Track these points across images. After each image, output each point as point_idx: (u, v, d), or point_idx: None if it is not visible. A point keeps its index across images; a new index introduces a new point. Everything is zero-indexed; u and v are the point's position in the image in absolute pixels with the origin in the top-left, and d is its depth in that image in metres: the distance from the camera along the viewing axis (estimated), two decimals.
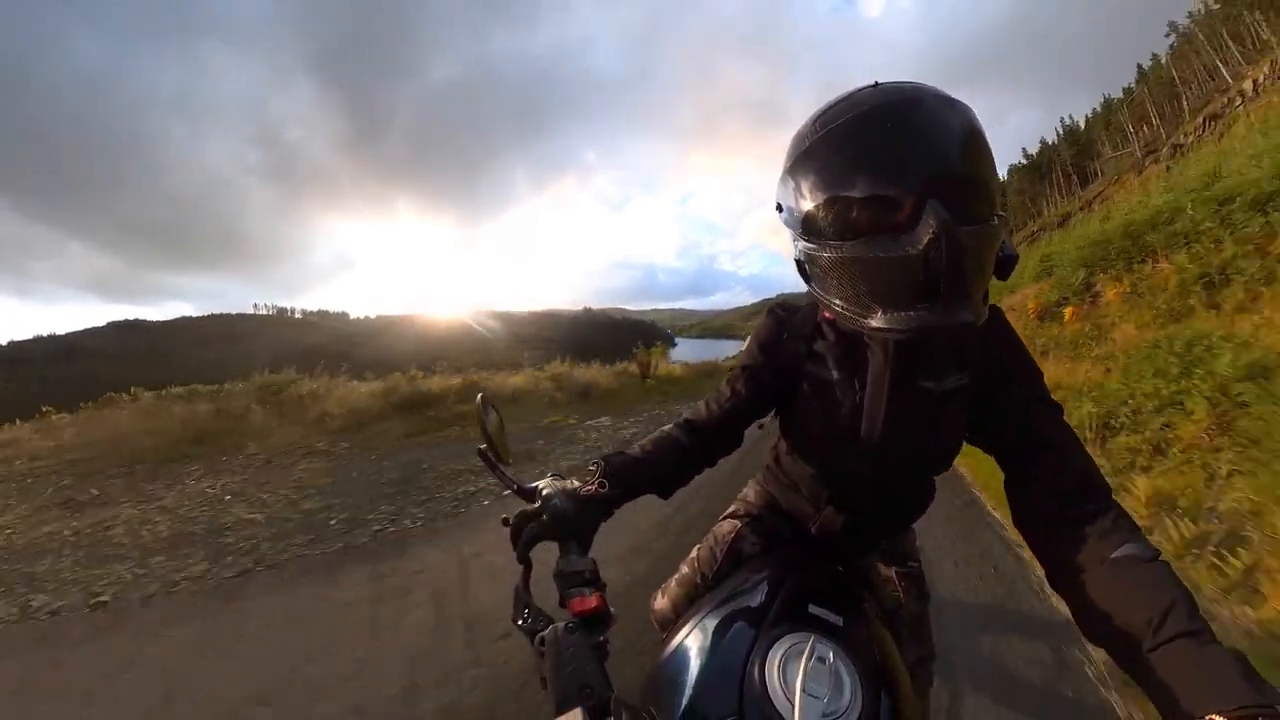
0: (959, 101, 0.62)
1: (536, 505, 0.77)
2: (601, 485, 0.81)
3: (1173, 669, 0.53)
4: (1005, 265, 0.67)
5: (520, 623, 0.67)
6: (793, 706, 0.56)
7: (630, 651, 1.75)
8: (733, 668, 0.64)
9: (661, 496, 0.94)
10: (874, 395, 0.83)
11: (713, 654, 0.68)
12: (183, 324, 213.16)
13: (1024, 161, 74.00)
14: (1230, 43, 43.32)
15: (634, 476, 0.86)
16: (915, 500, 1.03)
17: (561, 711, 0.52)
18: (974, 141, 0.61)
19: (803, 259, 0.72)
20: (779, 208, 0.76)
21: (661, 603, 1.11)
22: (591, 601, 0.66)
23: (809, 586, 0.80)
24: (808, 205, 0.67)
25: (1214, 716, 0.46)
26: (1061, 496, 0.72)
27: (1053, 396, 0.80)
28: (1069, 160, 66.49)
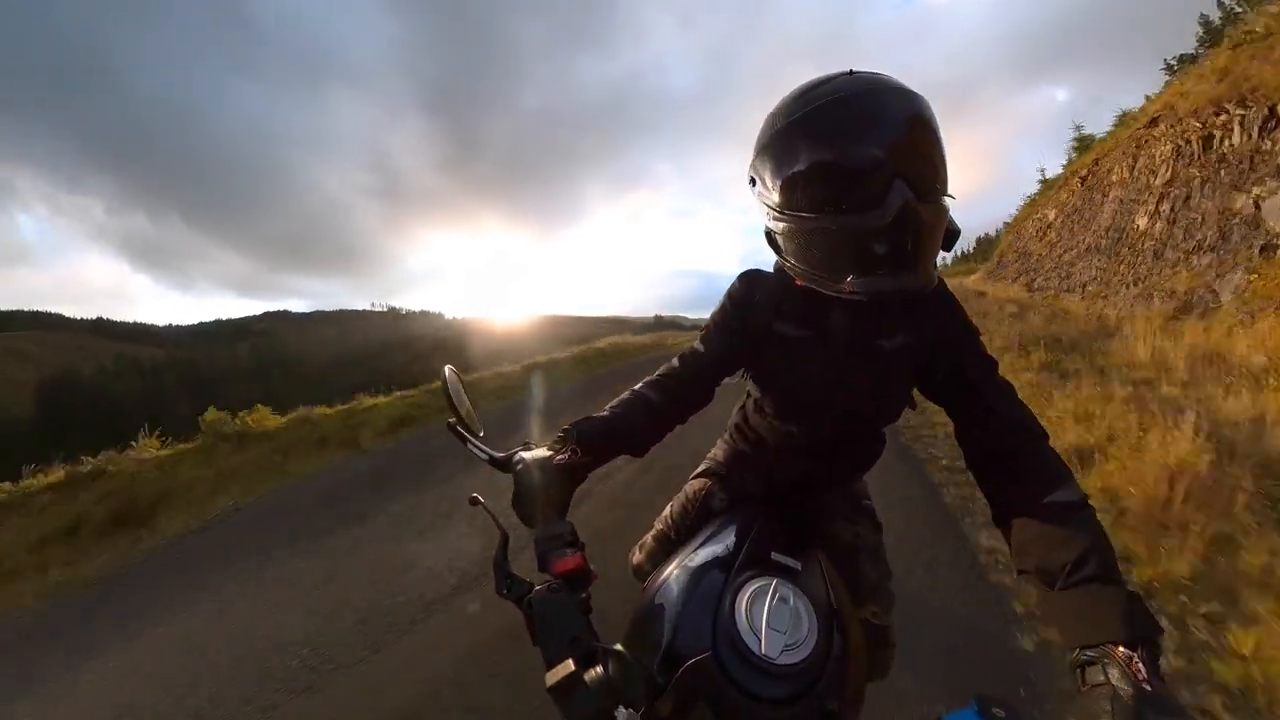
0: (920, 95, 0.70)
1: (515, 476, 0.79)
2: (574, 453, 0.81)
3: (1078, 606, 0.63)
4: (951, 238, 0.74)
5: (504, 592, 0.67)
6: (759, 640, 0.63)
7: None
8: (706, 610, 0.69)
9: (635, 455, 0.94)
10: (835, 352, 0.88)
11: (688, 599, 0.72)
12: (319, 317, 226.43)
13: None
14: None
15: (605, 440, 0.87)
16: (869, 450, 1.10)
17: (553, 665, 0.55)
18: (932, 131, 0.70)
19: (774, 229, 0.79)
20: (751, 181, 0.81)
21: (639, 557, 1.21)
22: (573, 561, 0.69)
23: (771, 536, 0.86)
24: (784, 180, 0.73)
25: (1108, 645, 0.57)
26: (1004, 443, 0.81)
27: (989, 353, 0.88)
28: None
